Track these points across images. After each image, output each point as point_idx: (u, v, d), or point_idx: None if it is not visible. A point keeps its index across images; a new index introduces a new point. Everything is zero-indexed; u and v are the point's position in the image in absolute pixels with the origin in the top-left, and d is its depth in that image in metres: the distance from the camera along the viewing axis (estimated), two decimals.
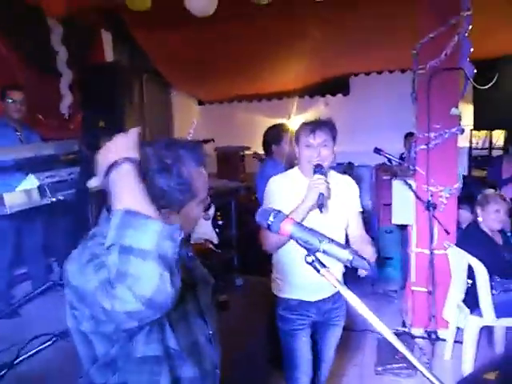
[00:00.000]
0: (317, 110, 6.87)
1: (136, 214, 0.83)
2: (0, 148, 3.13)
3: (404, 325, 3.49)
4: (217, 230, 3.69)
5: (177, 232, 0.86)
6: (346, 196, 2.00)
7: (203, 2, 3.75)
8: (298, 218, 1.84)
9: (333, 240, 1.01)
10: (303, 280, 1.94)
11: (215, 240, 3.60)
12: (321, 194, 1.76)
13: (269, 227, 1.11)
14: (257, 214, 1.15)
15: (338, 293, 2.01)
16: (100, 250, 0.89)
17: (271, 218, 1.10)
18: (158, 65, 5.95)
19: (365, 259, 0.97)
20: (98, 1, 4.15)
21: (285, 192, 1.92)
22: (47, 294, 3.75)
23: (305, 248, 1.03)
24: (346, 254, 0.97)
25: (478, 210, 3.08)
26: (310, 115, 6.83)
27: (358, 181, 4.67)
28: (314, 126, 1.89)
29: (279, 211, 1.12)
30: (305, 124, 1.94)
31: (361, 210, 2.05)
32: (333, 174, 2.02)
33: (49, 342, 2.89)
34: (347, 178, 2.09)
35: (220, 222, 4.08)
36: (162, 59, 5.88)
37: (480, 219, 3.06)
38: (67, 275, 0.94)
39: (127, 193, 0.87)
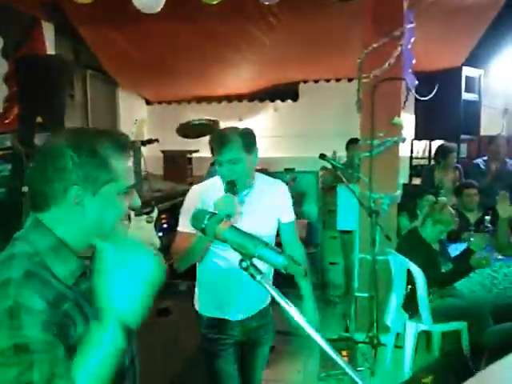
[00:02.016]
0: (266, 114, 6.89)
1: None
2: None
3: (347, 330, 3.53)
4: (161, 233, 3.58)
5: None
6: (275, 203, 1.92)
7: None
8: (183, 228, 1.78)
9: (267, 245, 0.97)
10: (226, 297, 1.87)
11: (157, 244, 3.48)
12: (227, 216, 1.54)
13: (203, 230, 1.05)
14: (190, 217, 1.09)
15: (264, 309, 1.97)
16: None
17: (205, 221, 1.05)
18: (102, 62, 5.72)
19: (300, 265, 0.93)
20: None
21: (202, 202, 1.77)
22: None
23: (239, 253, 0.98)
24: (281, 260, 0.93)
25: (423, 218, 3.15)
26: (259, 119, 6.84)
27: (304, 187, 4.76)
28: (220, 143, 1.75)
29: (214, 213, 1.07)
30: (213, 139, 1.80)
31: (292, 218, 1.99)
32: (263, 179, 1.94)
33: None
34: (279, 185, 1.99)
35: (165, 226, 3.96)
36: (107, 56, 5.66)
37: (420, 227, 3.12)
38: None
39: None
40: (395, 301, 3.13)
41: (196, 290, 2.01)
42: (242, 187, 1.79)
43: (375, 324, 3.23)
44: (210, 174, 3.54)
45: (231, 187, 1.71)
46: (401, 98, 3.64)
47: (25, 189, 2.80)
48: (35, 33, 4.99)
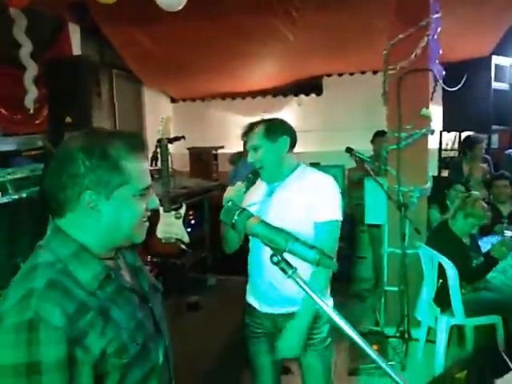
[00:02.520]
0: (290, 109, 6.86)
1: None
2: None
3: (377, 324, 3.50)
4: (189, 229, 3.61)
5: None
6: (310, 198, 1.75)
7: None
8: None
9: (298, 239, 0.96)
10: (255, 286, 1.88)
11: (186, 239, 3.52)
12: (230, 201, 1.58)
13: (233, 226, 1.06)
14: (221, 213, 1.10)
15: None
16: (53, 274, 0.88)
17: (235, 217, 1.05)
18: (127, 61, 5.81)
19: (332, 259, 0.92)
20: None
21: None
22: None
23: (270, 248, 0.99)
24: (312, 254, 0.92)
25: (451, 210, 3.09)
26: (283, 114, 6.82)
27: None
28: (245, 130, 1.85)
29: (244, 209, 1.07)
30: (242, 127, 1.89)
31: (329, 218, 1.75)
32: (305, 172, 1.84)
33: None
34: (322, 179, 1.80)
35: (192, 222, 4.01)
36: (131, 55, 5.73)
37: (450, 220, 3.06)
38: None
39: None
40: (426, 295, 3.08)
41: None
42: (270, 177, 1.80)
43: (406, 318, 3.19)
44: (235, 173, 3.56)
45: (252, 177, 1.74)
46: (428, 89, 3.56)
47: None
48: (62, 35, 5.10)
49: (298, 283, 0.92)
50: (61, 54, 5.00)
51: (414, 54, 3.34)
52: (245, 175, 1.86)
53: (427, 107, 3.41)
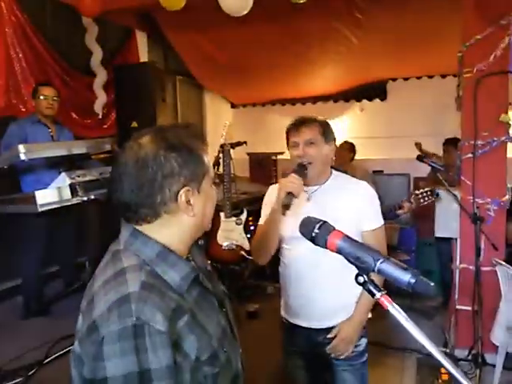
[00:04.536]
0: (352, 114, 6.69)
1: None
2: (33, 145, 3.12)
3: (446, 345, 3.27)
4: (248, 235, 3.58)
5: None
6: (351, 206, 1.68)
7: (238, 2, 3.66)
8: (265, 222, 1.69)
9: (389, 258, 0.87)
10: (294, 301, 1.76)
11: (247, 246, 3.49)
12: (289, 194, 1.53)
13: (313, 239, 0.98)
14: (299, 225, 1.02)
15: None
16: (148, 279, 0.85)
17: (316, 230, 0.97)
18: (190, 67, 5.92)
19: (430, 283, 0.82)
20: (133, 1, 4.13)
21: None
22: (78, 294, 3.74)
23: (356, 266, 0.90)
24: (407, 277, 0.82)
25: None
26: (345, 120, 6.66)
27: (394, 190, 4.52)
28: (298, 122, 1.71)
29: (325, 222, 0.99)
30: (291, 122, 1.75)
31: (375, 226, 1.72)
32: (341, 178, 1.79)
33: None
34: (361, 186, 1.76)
35: (252, 228, 3.97)
36: (195, 61, 5.84)
37: None
38: (90, 317, 0.83)
39: None
40: (504, 317, 2.83)
41: None
42: (315, 177, 1.68)
43: (479, 341, 2.95)
44: None
45: (299, 168, 1.63)
46: (508, 93, 3.30)
47: None
48: (130, 42, 5.31)
49: (391, 308, 0.83)
50: (128, 60, 5.18)
51: (493, 55, 3.10)
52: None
53: (506, 113, 3.16)
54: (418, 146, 4.83)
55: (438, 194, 3.07)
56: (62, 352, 2.80)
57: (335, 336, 1.70)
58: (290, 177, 1.58)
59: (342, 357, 1.71)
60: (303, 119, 1.72)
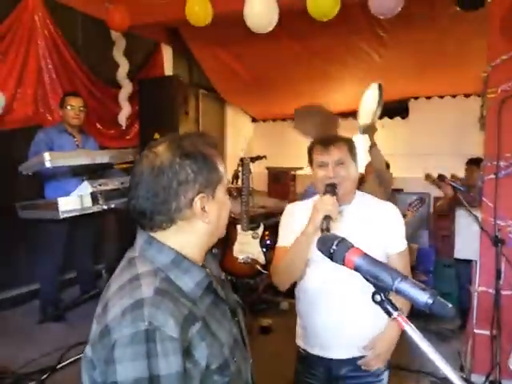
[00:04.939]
0: None
1: None
2: (57, 153, 3.19)
3: (462, 369, 3.19)
4: (264, 249, 3.58)
5: None
6: (378, 228, 1.64)
7: (264, 19, 3.72)
8: (296, 247, 1.55)
9: (407, 277, 0.87)
10: (314, 329, 1.67)
11: (262, 260, 3.49)
12: (326, 217, 1.46)
13: (331, 256, 0.98)
14: (317, 241, 1.02)
15: (362, 359, 1.65)
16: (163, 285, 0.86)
17: (334, 246, 0.98)
18: (213, 81, 6.01)
19: (447, 304, 0.81)
20: (161, 16, 4.24)
21: (297, 223, 1.60)
22: (94, 301, 3.78)
23: (373, 285, 0.89)
24: (424, 297, 0.82)
25: None
26: (365, 137, 6.63)
27: None
28: (327, 141, 1.64)
29: (343, 238, 0.99)
30: (317, 141, 1.68)
31: (402, 248, 1.67)
32: (366, 199, 1.74)
33: None
34: (387, 207, 1.72)
35: (268, 242, 3.97)
36: (218, 76, 5.93)
37: None
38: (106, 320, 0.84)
39: None
40: None
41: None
42: (343, 196, 1.61)
43: (498, 367, 2.87)
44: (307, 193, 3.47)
45: (332, 189, 1.56)
46: None
47: None
48: (156, 56, 5.43)
49: (406, 328, 0.82)
50: (154, 73, 5.29)
51: None
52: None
53: None
54: (430, 177, 4.65)
55: (424, 201, 3.49)
56: (75, 358, 2.82)
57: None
58: (325, 199, 1.52)
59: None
60: (330, 138, 1.67)
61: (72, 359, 2.83)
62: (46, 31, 3.95)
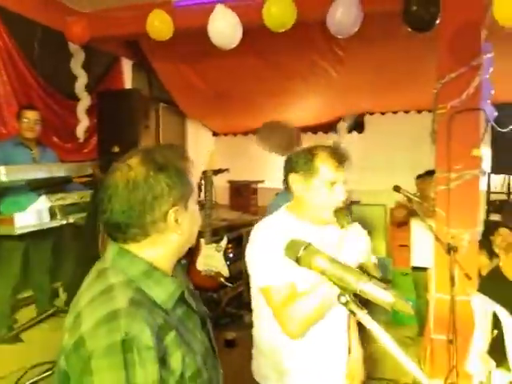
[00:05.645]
0: None
1: None
2: (14, 167, 3.09)
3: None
4: (227, 262, 3.58)
5: None
6: (359, 246, 1.47)
7: (228, 36, 3.76)
8: (276, 282, 1.44)
9: (371, 279, 0.91)
10: (292, 364, 1.55)
11: (226, 273, 3.48)
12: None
13: (298, 260, 1.01)
14: (284, 248, 1.05)
15: None
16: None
17: (301, 251, 1.01)
18: (173, 95, 6.00)
19: (408, 302, 0.86)
20: (122, 29, 4.21)
21: (281, 254, 1.16)
22: (51, 320, 3.64)
23: (339, 287, 0.93)
24: (387, 297, 0.86)
25: (502, 256, 2.95)
26: None
27: (371, 221, 4.60)
28: (342, 157, 1.47)
29: (310, 244, 1.03)
30: (329, 154, 1.47)
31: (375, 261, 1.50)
32: None
33: (50, 372, 2.76)
34: (356, 225, 1.52)
35: (231, 255, 3.97)
36: (179, 90, 5.93)
37: (501, 264, 2.91)
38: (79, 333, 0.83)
39: None
40: (478, 346, 2.88)
41: (253, 347, 1.70)
42: (331, 218, 1.50)
43: (455, 370, 2.98)
44: (274, 205, 3.52)
45: (349, 209, 1.51)
46: (480, 129, 3.47)
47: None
48: (115, 69, 5.37)
49: (369, 327, 0.86)
50: (113, 86, 5.23)
51: (465, 93, 3.27)
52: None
53: (478, 147, 3.31)
54: (398, 188, 4.79)
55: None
56: (35, 379, 2.71)
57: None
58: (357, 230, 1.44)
59: None
60: (344, 154, 1.50)
61: (32, 380, 2.71)
62: (1, 42, 3.84)
